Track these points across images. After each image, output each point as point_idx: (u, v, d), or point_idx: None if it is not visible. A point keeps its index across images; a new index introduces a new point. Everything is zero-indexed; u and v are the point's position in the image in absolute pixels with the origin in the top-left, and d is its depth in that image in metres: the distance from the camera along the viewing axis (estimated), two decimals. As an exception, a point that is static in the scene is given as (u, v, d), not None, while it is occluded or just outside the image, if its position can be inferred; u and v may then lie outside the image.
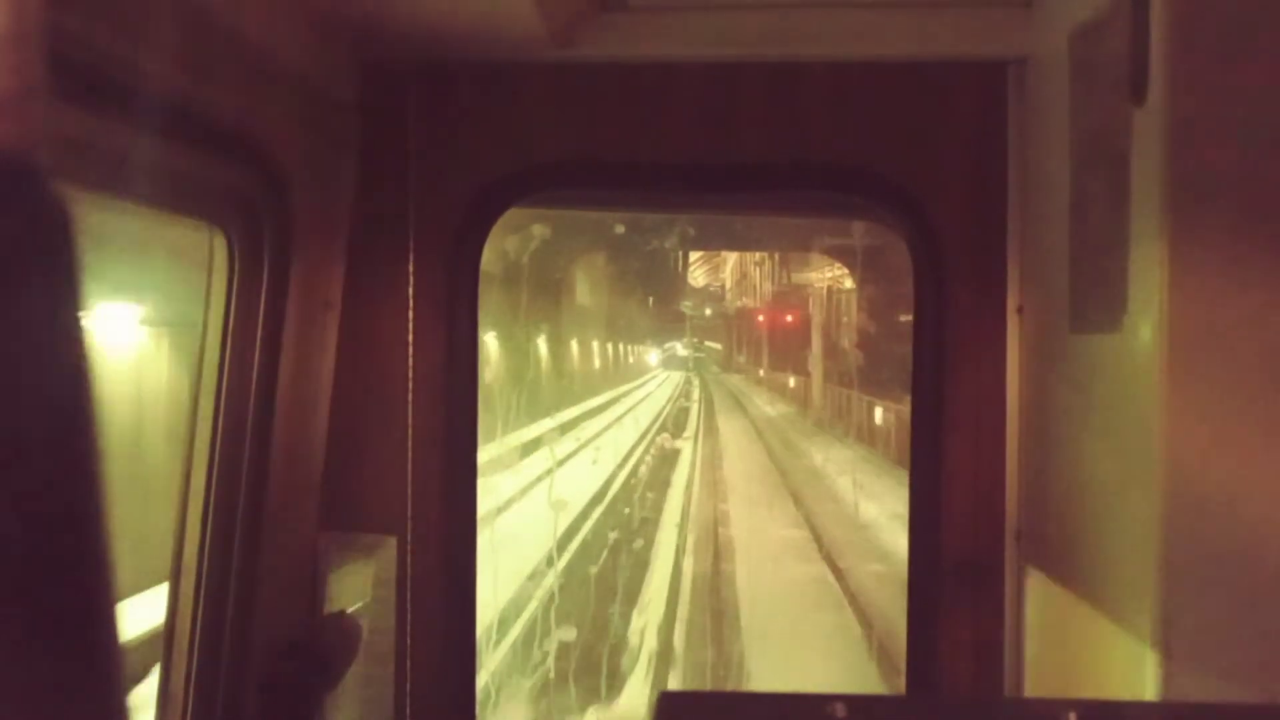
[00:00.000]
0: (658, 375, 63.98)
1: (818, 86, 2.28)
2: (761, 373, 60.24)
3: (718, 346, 71.89)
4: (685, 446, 31.58)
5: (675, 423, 39.19)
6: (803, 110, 2.28)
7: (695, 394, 54.24)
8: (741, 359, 67.18)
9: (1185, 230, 1.57)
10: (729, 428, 38.47)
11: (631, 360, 59.67)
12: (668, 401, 45.96)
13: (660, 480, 24.36)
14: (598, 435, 26.78)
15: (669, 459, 28.52)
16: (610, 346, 48.20)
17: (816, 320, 36.68)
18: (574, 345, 35.13)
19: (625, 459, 25.33)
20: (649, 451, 28.59)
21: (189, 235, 1.96)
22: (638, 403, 41.18)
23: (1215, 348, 1.57)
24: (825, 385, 34.31)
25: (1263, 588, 1.55)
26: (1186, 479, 1.57)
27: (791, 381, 46.04)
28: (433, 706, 2.31)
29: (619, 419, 32.80)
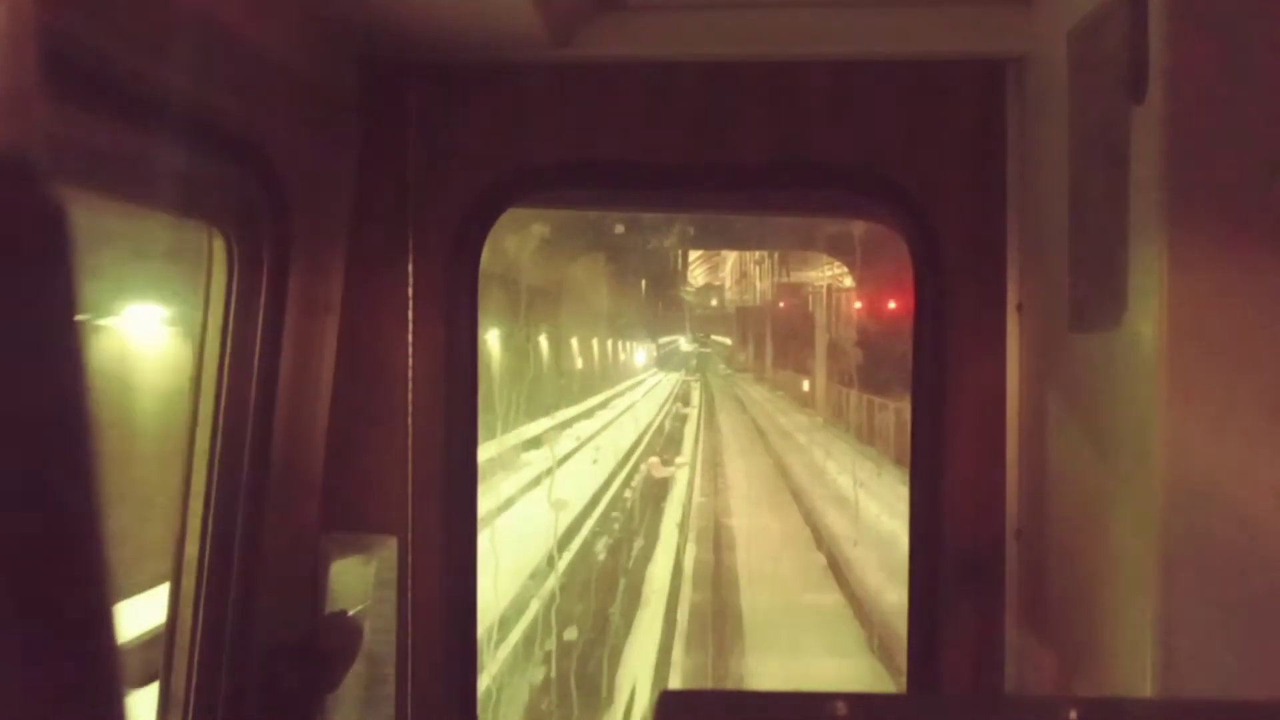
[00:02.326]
0: (645, 381, 48.75)
1: (817, 85, 2.27)
2: (806, 385, 33.37)
3: (726, 341, 69.34)
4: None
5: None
6: (802, 109, 2.28)
7: (691, 428, 30.92)
8: (743, 357, 65.85)
9: (1185, 228, 1.56)
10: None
11: (593, 365, 38.79)
12: (623, 462, 23.03)
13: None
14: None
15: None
16: (581, 344, 34.61)
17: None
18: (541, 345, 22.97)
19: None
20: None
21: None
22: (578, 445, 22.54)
23: (1215, 345, 1.57)
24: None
25: (1263, 585, 1.55)
26: (1186, 477, 1.57)
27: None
28: (434, 707, 2.31)
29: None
